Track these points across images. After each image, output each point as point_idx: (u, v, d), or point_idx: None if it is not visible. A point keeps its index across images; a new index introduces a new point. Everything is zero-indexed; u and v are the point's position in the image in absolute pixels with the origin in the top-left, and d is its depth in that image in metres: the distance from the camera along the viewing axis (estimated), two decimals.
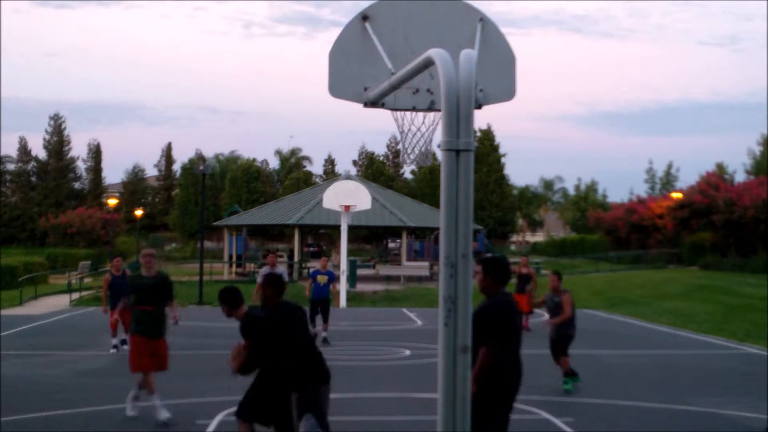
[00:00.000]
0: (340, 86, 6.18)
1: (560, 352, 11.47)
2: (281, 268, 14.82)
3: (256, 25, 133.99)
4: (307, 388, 6.56)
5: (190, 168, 67.14)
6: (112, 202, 55.47)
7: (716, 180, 47.58)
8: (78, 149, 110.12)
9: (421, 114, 6.21)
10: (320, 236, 66.68)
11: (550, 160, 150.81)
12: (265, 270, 14.83)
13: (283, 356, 6.60)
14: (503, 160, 69.52)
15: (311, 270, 18.10)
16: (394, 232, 48.09)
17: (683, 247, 47.69)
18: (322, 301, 16.32)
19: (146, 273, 9.61)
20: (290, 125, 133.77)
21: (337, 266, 25.50)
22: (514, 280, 16.63)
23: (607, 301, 28.21)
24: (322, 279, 16.36)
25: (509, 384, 6.05)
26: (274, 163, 78.54)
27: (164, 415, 9.19)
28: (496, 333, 5.95)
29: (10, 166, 73.33)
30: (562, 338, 11.53)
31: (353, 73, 6.16)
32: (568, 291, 11.77)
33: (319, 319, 16.36)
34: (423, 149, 6.27)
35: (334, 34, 6.93)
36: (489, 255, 7.08)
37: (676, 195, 50.24)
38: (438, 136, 4.77)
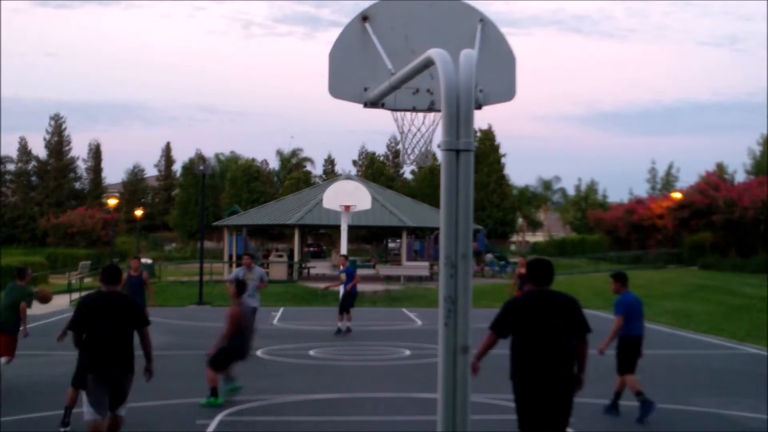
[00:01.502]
0: (340, 86, 6.18)
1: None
2: (259, 269, 15.59)
3: (256, 25, 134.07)
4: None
5: (190, 168, 67.12)
6: (112, 202, 55.46)
7: (716, 180, 47.55)
8: (78, 149, 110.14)
9: (421, 114, 6.21)
10: (320, 236, 66.71)
11: (550, 160, 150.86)
12: (239, 271, 15.11)
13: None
14: (503, 160, 69.50)
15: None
16: (394, 232, 48.05)
17: (683, 247, 47.67)
18: (347, 296, 18.28)
19: None
20: (290, 125, 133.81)
21: (338, 266, 25.49)
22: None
23: (607, 301, 28.15)
24: (342, 276, 18.42)
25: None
26: (274, 164, 78.58)
27: None
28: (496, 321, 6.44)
29: (11, 166, 73.34)
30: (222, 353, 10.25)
31: (353, 73, 6.16)
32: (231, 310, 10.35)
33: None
34: (423, 149, 6.27)
35: (334, 34, 6.94)
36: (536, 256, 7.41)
37: (676, 195, 50.23)
38: (438, 136, 4.78)
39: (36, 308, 25.02)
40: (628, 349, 9.70)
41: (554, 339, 6.20)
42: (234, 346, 10.15)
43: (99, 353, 7.07)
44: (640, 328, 9.76)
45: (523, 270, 19.90)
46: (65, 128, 74.24)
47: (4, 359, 11.45)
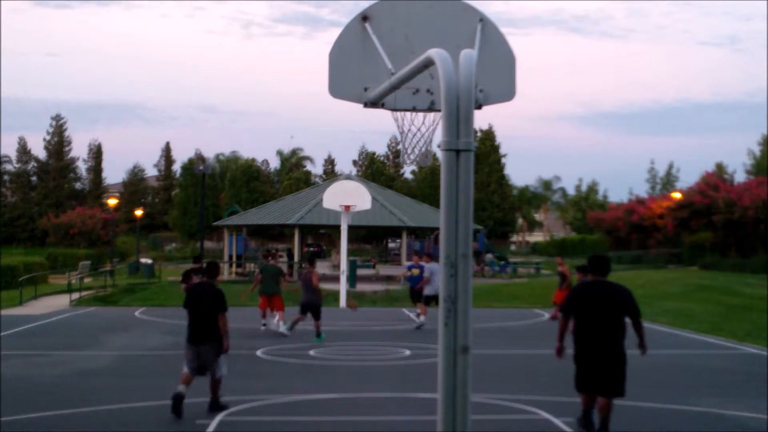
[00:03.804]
0: (340, 86, 6.17)
1: None
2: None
3: (255, 25, 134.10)
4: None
5: (190, 168, 67.10)
6: (112, 202, 55.47)
7: (716, 180, 47.55)
8: (78, 149, 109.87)
9: (421, 114, 6.20)
10: (320, 236, 66.66)
11: (550, 160, 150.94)
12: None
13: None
14: (503, 160, 69.47)
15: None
16: (394, 232, 48.03)
17: (683, 247, 47.69)
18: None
19: None
20: (290, 125, 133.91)
21: (337, 266, 25.51)
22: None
23: None
24: (416, 271, 19.68)
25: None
26: (274, 163, 78.57)
27: None
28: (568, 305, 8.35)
29: (10, 167, 73.33)
30: None
31: (353, 73, 6.15)
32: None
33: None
34: (423, 149, 6.26)
35: (334, 34, 6.94)
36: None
37: (676, 195, 50.23)
38: (438, 136, 4.77)
39: (36, 309, 25.09)
40: None
41: (606, 321, 7.83)
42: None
43: (190, 328, 9.61)
44: None
45: (560, 269, 20.86)
46: (66, 128, 74.28)
47: (278, 314, 17.50)
